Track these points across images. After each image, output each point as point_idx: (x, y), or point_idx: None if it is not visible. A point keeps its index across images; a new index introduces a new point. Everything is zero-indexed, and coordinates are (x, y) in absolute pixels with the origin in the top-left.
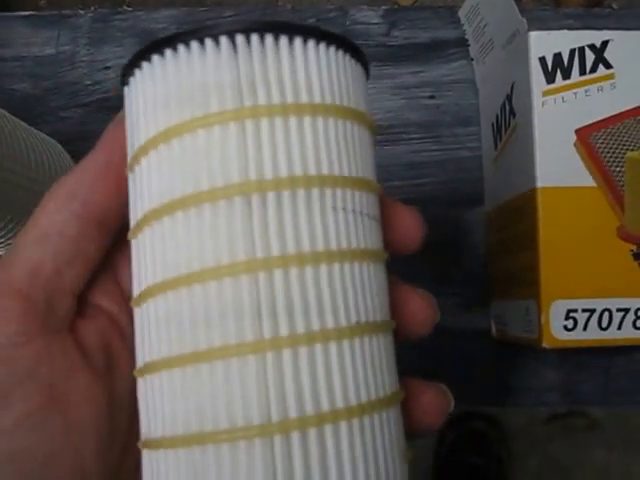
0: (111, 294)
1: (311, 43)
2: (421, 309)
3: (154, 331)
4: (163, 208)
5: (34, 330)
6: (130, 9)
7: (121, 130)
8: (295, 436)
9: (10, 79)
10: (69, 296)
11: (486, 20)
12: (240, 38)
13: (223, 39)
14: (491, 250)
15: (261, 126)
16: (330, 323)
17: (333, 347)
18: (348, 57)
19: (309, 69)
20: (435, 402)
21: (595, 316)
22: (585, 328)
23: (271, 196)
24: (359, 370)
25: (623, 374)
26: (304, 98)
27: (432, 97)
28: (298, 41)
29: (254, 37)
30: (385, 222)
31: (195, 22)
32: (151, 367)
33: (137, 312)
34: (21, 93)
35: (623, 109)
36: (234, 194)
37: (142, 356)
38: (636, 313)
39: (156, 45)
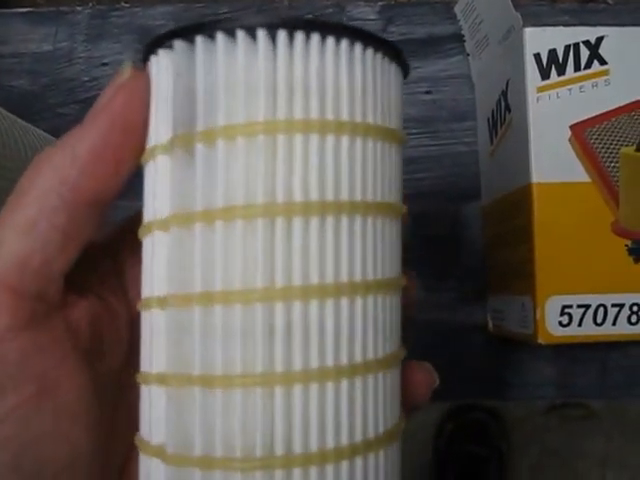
0: (107, 280)
1: (358, 48)
2: (424, 381)
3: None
4: (183, 216)
5: (23, 323)
6: (127, 5)
7: (124, 100)
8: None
9: (8, 76)
10: (58, 280)
11: (482, 16)
12: (282, 35)
13: (261, 34)
14: (487, 244)
15: (294, 142)
16: (344, 359)
17: (344, 383)
18: (394, 65)
19: (354, 78)
20: (425, 380)
21: (590, 312)
22: (580, 324)
23: (297, 221)
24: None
25: (618, 368)
26: (345, 115)
27: (429, 92)
28: (344, 44)
29: (299, 36)
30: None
31: (191, 19)
32: (153, 378)
33: (145, 316)
34: (19, 90)
35: (617, 105)
36: (258, 215)
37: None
38: (631, 308)
39: (199, 28)
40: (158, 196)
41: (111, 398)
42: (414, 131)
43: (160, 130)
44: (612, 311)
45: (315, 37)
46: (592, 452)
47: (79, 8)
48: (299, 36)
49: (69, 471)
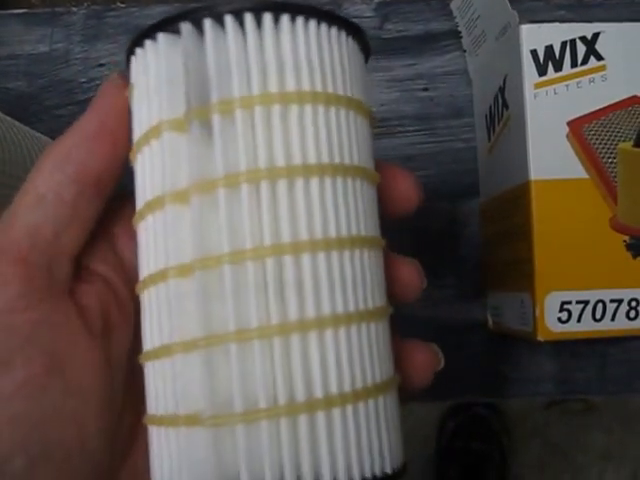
0: (106, 258)
1: (321, 25)
2: (409, 275)
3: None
4: (206, 185)
5: (34, 295)
6: (123, 6)
7: (115, 92)
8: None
9: (4, 78)
10: (68, 260)
11: (478, 12)
12: (249, 17)
13: (228, 18)
14: (486, 242)
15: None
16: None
17: (342, 332)
18: (351, 40)
19: (322, 52)
20: (429, 360)
21: (589, 308)
22: (579, 320)
23: (282, 183)
24: (361, 355)
25: (618, 363)
26: (318, 86)
27: (426, 89)
28: (312, 23)
29: (266, 17)
30: (386, 274)
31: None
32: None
33: (157, 289)
34: (16, 92)
35: (614, 100)
36: (241, 182)
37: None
38: (629, 304)
39: (174, 19)
40: (170, 170)
41: (119, 377)
42: (411, 128)
43: (163, 110)
44: (611, 307)
45: (285, 18)
46: (592, 445)
47: (74, 9)
48: (268, 18)
49: (78, 451)
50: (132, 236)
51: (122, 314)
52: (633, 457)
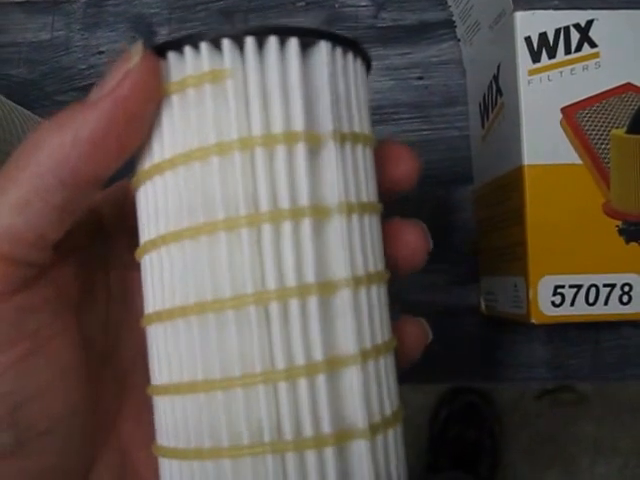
0: (89, 238)
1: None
2: (416, 237)
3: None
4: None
5: (16, 287)
6: None
7: (130, 87)
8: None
9: (6, 65)
10: (49, 249)
11: (472, 1)
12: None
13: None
14: (480, 227)
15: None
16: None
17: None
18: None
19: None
20: (417, 333)
21: (582, 292)
22: (572, 304)
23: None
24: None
25: (611, 349)
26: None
27: (420, 78)
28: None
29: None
30: (391, 240)
31: (186, 7)
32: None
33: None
34: (17, 78)
35: (608, 87)
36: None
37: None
38: (622, 288)
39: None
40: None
41: (100, 352)
42: (406, 116)
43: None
44: (604, 291)
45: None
46: (583, 437)
47: None
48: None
49: (64, 425)
50: (121, 221)
51: (97, 288)
52: (624, 449)
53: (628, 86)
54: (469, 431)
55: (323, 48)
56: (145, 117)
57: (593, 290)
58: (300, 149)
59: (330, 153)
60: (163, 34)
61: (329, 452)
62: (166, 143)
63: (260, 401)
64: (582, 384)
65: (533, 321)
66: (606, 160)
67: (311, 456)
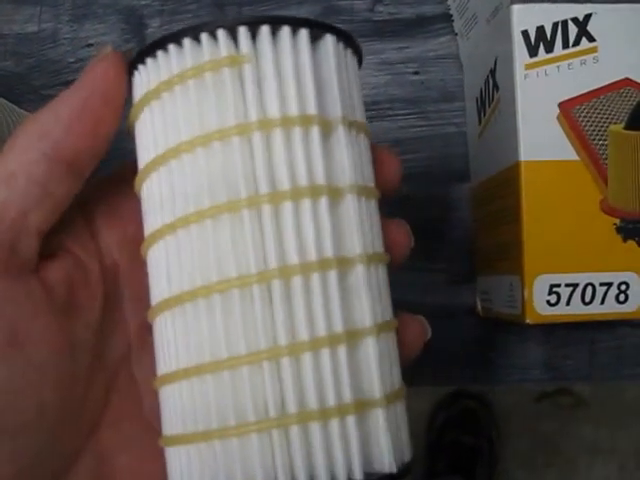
0: (80, 238)
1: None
2: (397, 234)
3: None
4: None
5: None
6: None
7: (103, 70)
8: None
9: None
10: (34, 237)
11: None
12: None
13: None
14: (476, 226)
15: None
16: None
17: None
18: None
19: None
20: (417, 331)
21: (578, 291)
22: (568, 303)
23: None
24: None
25: (607, 349)
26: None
27: (417, 73)
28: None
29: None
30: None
31: None
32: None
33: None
34: (3, 72)
35: (606, 82)
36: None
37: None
38: (619, 287)
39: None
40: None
41: (84, 353)
42: (402, 112)
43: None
44: (600, 290)
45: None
46: (581, 439)
47: None
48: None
49: (35, 424)
50: (111, 218)
51: (90, 294)
52: (621, 451)
53: (626, 81)
54: (466, 437)
55: (329, 40)
56: (117, 99)
57: (589, 289)
58: (315, 131)
59: (340, 137)
60: (154, 26)
61: (351, 420)
62: (182, 129)
63: (282, 373)
64: (580, 386)
65: (528, 321)
66: (604, 156)
67: (334, 425)
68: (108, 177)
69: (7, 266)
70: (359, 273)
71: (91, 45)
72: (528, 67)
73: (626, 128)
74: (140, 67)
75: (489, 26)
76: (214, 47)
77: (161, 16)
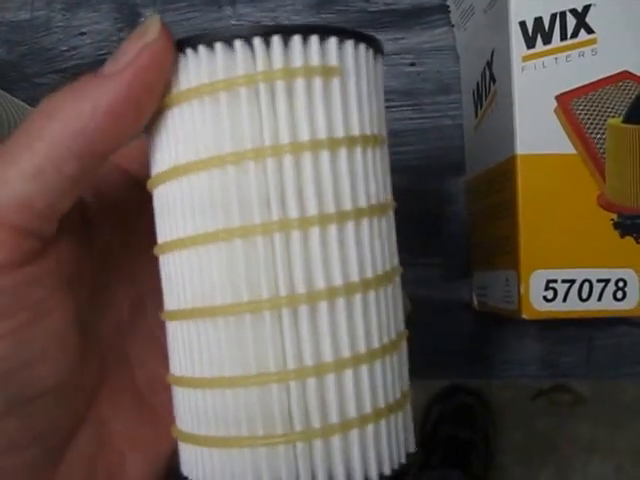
0: (74, 217)
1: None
2: None
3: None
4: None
5: (21, 259)
6: None
7: (151, 59)
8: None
9: None
10: (56, 223)
11: None
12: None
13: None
14: (472, 220)
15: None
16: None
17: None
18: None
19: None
20: None
21: (575, 287)
22: (565, 299)
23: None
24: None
25: (605, 347)
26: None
27: (413, 64)
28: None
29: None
30: None
31: None
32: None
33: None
34: None
35: (604, 75)
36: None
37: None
38: (616, 284)
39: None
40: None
41: (85, 328)
42: (397, 104)
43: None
44: (597, 286)
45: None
46: (579, 437)
47: None
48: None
49: (53, 393)
50: (103, 204)
51: (85, 273)
52: (619, 450)
53: (625, 74)
54: (462, 431)
55: (374, 55)
56: (160, 90)
57: (586, 285)
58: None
59: (373, 157)
60: (147, 15)
61: (370, 429)
62: (227, 138)
63: (307, 389)
64: (578, 384)
65: (524, 316)
66: (601, 150)
67: (354, 434)
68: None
69: (32, 251)
70: (380, 293)
71: (84, 34)
72: (525, 59)
73: (624, 122)
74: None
75: (486, 17)
76: (265, 56)
77: (154, 5)
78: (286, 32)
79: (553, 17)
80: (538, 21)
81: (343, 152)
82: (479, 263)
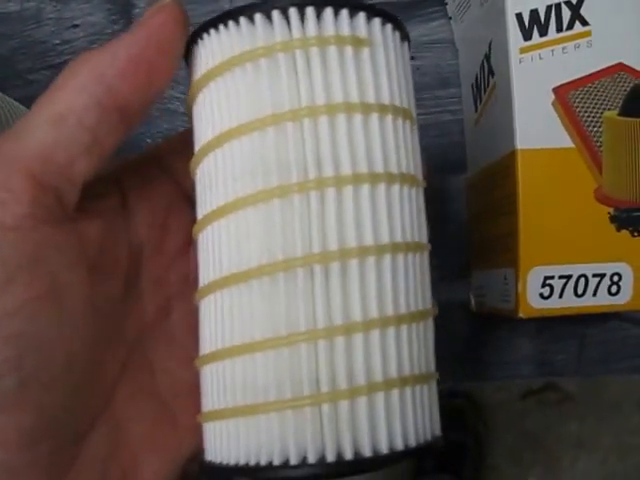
0: (113, 208)
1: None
2: None
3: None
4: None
5: (42, 217)
6: None
7: (161, 21)
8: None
9: None
10: (77, 187)
11: None
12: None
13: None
14: (472, 218)
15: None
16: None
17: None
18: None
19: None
20: None
21: (571, 283)
22: (561, 295)
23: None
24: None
25: (597, 343)
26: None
27: (412, 58)
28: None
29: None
30: None
31: None
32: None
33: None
34: None
35: (600, 67)
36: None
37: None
38: (611, 278)
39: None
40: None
41: (109, 326)
42: None
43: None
44: (593, 281)
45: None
46: (567, 434)
47: None
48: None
49: (62, 379)
50: (142, 199)
51: (116, 265)
52: (604, 445)
53: (620, 66)
54: (453, 433)
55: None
56: (174, 50)
57: (582, 280)
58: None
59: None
60: (141, 7)
61: (395, 395)
62: (267, 102)
63: (335, 352)
64: (565, 382)
65: (521, 315)
66: (598, 144)
67: (380, 399)
68: (141, 156)
69: (52, 212)
70: (408, 259)
71: (77, 26)
72: (523, 51)
73: (620, 114)
74: (205, 39)
75: (482, 9)
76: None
77: None
78: (319, 4)
79: (549, 9)
80: (534, 13)
81: (374, 117)
82: (478, 262)
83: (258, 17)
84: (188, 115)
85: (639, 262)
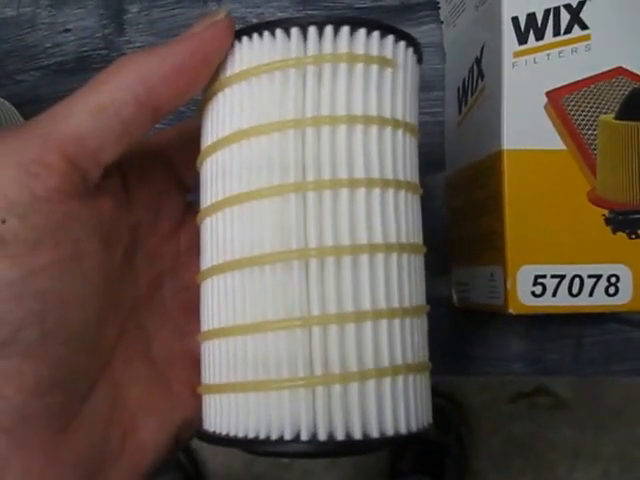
0: (116, 184)
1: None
2: None
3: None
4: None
5: (69, 191)
6: None
7: (213, 34)
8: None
9: None
10: (101, 169)
11: None
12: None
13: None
14: (452, 215)
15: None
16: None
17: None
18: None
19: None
20: None
21: (565, 282)
22: (554, 294)
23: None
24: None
25: (594, 344)
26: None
27: None
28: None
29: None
30: None
31: None
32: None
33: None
34: None
35: (597, 72)
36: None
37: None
38: (609, 280)
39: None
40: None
41: (112, 289)
42: None
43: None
44: (589, 282)
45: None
46: (562, 442)
47: None
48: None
49: (78, 334)
50: (142, 180)
51: (119, 236)
52: (605, 455)
53: (619, 70)
54: (434, 435)
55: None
56: (216, 60)
57: (577, 281)
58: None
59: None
60: (133, 12)
61: (387, 382)
62: (276, 110)
63: (328, 338)
64: (559, 387)
65: (511, 311)
66: (593, 146)
67: (371, 385)
68: (139, 144)
69: (77, 188)
70: (411, 258)
71: (69, 30)
72: (516, 55)
73: (617, 118)
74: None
75: (477, 12)
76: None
77: (141, 2)
78: (352, 23)
79: (547, 13)
80: (531, 17)
81: (388, 130)
82: (460, 259)
83: (278, 32)
84: (200, 110)
85: (639, 264)
